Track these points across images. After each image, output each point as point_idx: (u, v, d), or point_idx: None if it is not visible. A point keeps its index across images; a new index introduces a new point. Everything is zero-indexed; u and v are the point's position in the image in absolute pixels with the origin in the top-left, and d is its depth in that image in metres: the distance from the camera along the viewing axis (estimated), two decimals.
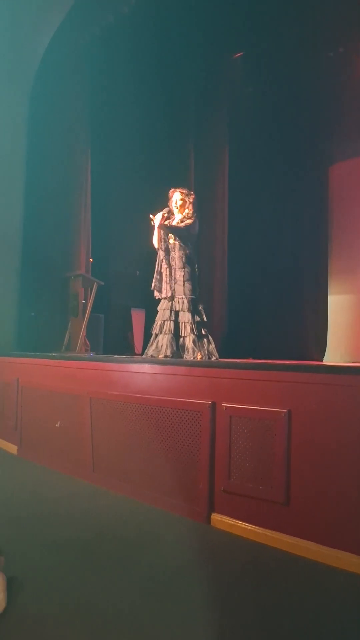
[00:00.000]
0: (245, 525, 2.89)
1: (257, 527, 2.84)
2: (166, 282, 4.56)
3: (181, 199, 4.66)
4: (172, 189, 4.76)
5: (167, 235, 4.58)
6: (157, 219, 4.49)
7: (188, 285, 4.49)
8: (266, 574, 2.43)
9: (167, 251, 4.61)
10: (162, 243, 4.61)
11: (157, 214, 4.56)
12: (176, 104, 7.43)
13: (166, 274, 4.58)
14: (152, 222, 4.54)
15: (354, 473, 2.50)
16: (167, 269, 4.58)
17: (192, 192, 4.80)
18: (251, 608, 2.10)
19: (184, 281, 4.49)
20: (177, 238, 4.56)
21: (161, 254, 4.63)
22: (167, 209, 4.65)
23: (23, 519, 3.06)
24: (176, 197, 4.68)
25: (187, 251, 4.56)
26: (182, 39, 6.84)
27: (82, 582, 2.27)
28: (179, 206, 4.65)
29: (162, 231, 4.59)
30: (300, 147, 7.63)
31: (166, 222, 4.58)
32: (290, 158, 7.65)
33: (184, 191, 4.72)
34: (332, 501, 2.56)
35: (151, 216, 4.54)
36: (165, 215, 4.60)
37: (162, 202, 4.79)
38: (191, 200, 4.69)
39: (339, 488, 2.55)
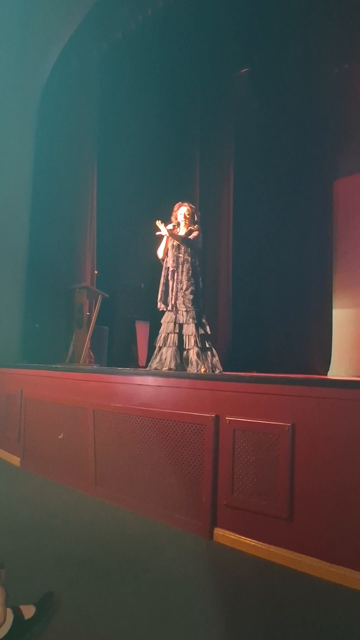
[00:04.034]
0: (248, 540, 2.86)
1: (260, 542, 2.81)
2: (171, 294, 4.58)
3: (188, 213, 4.71)
4: (179, 203, 4.81)
5: (179, 248, 4.60)
6: (162, 227, 4.52)
7: (192, 298, 4.50)
8: (269, 590, 2.40)
9: (172, 263, 4.64)
10: (172, 255, 4.63)
11: (163, 222, 4.61)
12: (182, 118, 7.51)
13: (171, 287, 4.59)
14: (157, 228, 4.57)
15: (359, 488, 2.48)
16: (172, 282, 4.60)
17: (195, 207, 4.87)
18: (253, 624, 2.07)
19: (188, 294, 4.51)
20: (183, 251, 4.59)
21: (166, 266, 4.66)
22: (177, 221, 4.70)
23: (25, 532, 3.05)
24: (182, 210, 4.73)
25: (192, 264, 4.58)
26: (188, 55, 6.95)
27: (83, 595, 2.25)
28: (185, 220, 4.69)
29: (168, 243, 4.63)
30: (305, 162, 7.67)
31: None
32: (295, 173, 7.70)
33: (192, 206, 4.78)
34: (336, 517, 2.54)
35: (157, 223, 4.57)
36: (176, 228, 4.65)
37: (168, 216, 4.84)
38: (197, 214, 4.76)
39: (343, 504, 2.52)
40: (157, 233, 4.65)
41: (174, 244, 4.66)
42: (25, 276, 6.42)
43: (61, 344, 5.98)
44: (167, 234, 4.58)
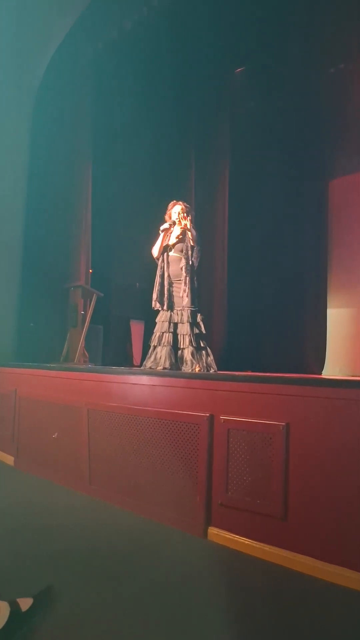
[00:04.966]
0: (242, 539, 2.87)
1: (254, 541, 2.81)
2: (166, 293, 4.58)
3: (182, 212, 4.71)
4: (173, 202, 4.81)
5: (176, 247, 4.61)
6: (185, 222, 4.54)
7: (187, 297, 4.50)
8: (263, 589, 2.41)
9: (167, 262, 4.64)
10: (167, 254, 4.63)
11: (164, 225, 4.64)
12: (178, 118, 7.50)
13: (166, 286, 4.59)
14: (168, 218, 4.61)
15: (353, 487, 2.49)
16: (167, 281, 4.60)
17: (189, 206, 4.88)
18: (247, 623, 2.07)
19: (183, 293, 4.50)
20: (179, 250, 4.60)
21: (162, 265, 4.65)
22: (172, 220, 4.70)
23: (19, 531, 3.04)
24: (177, 209, 4.73)
25: (188, 263, 4.58)
26: (184, 54, 6.94)
27: (77, 595, 2.24)
28: (180, 218, 4.69)
29: (164, 241, 4.63)
30: (301, 161, 7.68)
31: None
32: (290, 172, 7.71)
33: (186, 205, 4.78)
34: (330, 516, 2.55)
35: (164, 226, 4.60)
36: (172, 226, 4.65)
37: (162, 214, 4.84)
38: (191, 213, 4.76)
39: (337, 503, 2.53)
40: (162, 228, 4.65)
41: (169, 243, 4.66)
42: (20, 275, 6.39)
43: (55, 343, 5.97)
44: (187, 228, 4.56)
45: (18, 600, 1.97)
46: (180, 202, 4.80)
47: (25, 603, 1.98)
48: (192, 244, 4.56)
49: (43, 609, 2.03)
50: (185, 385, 3.39)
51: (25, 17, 6.20)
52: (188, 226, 4.56)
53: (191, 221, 4.77)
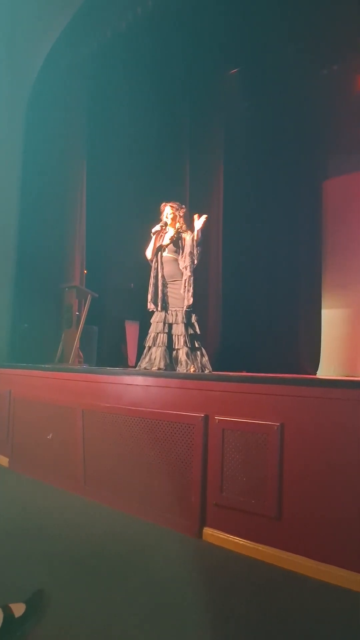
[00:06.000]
0: (237, 539, 2.87)
1: (248, 541, 2.82)
2: (160, 294, 4.57)
3: (172, 213, 4.71)
4: (164, 203, 4.81)
5: (170, 248, 4.61)
6: (200, 221, 4.52)
7: (192, 298, 4.49)
8: (258, 589, 2.41)
9: (161, 263, 4.64)
10: (162, 255, 4.62)
11: (156, 227, 4.63)
12: (172, 118, 7.50)
13: (160, 287, 4.59)
14: (160, 227, 4.59)
15: (346, 487, 2.50)
16: (161, 281, 4.60)
17: (183, 206, 4.86)
18: (242, 623, 2.08)
19: (187, 293, 4.49)
20: (173, 251, 4.59)
21: (156, 266, 4.65)
22: (164, 222, 4.70)
23: (13, 532, 3.03)
24: (167, 211, 4.73)
25: (192, 263, 4.56)
26: (178, 55, 6.93)
27: (73, 597, 2.24)
28: (170, 220, 4.69)
29: (157, 242, 4.63)
30: (295, 162, 7.71)
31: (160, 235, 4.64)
32: (284, 173, 7.73)
33: (175, 205, 4.78)
34: (324, 516, 2.56)
35: (195, 217, 4.57)
36: (164, 228, 4.65)
37: (156, 215, 4.84)
38: (181, 214, 4.75)
39: (331, 502, 2.54)
40: (153, 230, 4.63)
41: (163, 243, 4.65)
42: (14, 275, 6.37)
43: (50, 344, 5.95)
44: (199, 227, 4.53)
45: (11, 605, 1.96)
46: (170, 203, 4.79)
47: (18, 609, 1.97)
48: (196, 245, 4.57)
49: (36, 614, 2.02)
50: (180, 385, 3.39)
51: (19, 15, 6.18)
52: (200, 226, 4.55)
53: (183, 217, 4.75)
